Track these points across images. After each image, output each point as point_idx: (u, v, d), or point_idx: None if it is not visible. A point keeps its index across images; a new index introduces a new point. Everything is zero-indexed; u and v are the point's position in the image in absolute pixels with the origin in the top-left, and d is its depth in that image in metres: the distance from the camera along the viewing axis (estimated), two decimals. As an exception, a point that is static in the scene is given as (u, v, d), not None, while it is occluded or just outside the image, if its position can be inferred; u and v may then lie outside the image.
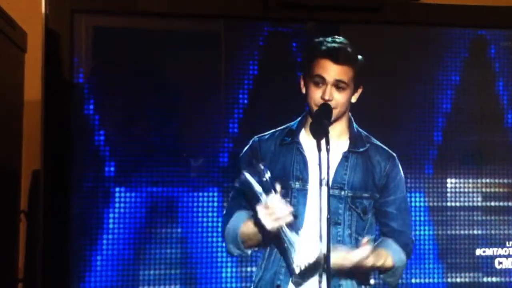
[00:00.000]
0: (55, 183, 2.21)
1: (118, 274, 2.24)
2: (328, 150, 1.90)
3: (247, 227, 2.14)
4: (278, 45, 2.37)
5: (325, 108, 2.08)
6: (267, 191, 2.03)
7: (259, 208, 2.03)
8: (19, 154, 2.39)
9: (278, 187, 2.02)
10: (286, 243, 2.04)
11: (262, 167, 2.06)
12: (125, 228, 2.25)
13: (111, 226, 2.24)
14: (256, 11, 2.36)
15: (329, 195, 1.97)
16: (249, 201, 2.11)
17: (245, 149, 2.25)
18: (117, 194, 2.25)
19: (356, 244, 2.14)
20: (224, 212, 2.25)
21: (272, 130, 2.26)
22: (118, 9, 2.30)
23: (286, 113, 2.30)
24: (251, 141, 2.25)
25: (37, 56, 2.26)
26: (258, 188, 2.04)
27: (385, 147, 2.23)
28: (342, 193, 2.12)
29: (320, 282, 1.99)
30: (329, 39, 2.15)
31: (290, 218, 2.02)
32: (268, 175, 2.03)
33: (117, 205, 2.25)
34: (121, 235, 2.25)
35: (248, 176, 2.06)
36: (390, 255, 2.14)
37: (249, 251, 2.19)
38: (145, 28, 2.35)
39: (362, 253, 2.03)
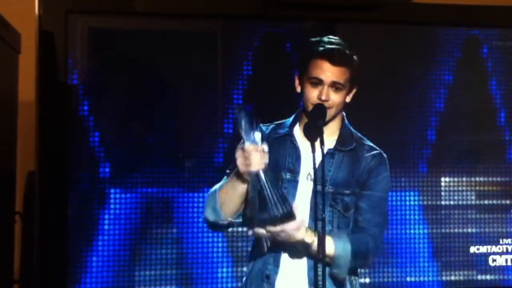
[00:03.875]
0: (50, 184, 2.21)
1: (114, 275, 2.24)
2: (323, 151, 1.90)
3: (227, 182, 2.03)
4: (272, 46, 2.37)
5: (320, 108, 2.08)
6: (250, 140, 1.97)
7: (237, 152, 1.95)
8: (14, 155, 2.39)
9: (261, 142, 1.96)
10: (266, 194, 1.95)
11: (255, 124, 2.00)
12: (120, 229, 2.26)
13: (106, 227, 2.25)
14: (253, 11, 2.36)
15: (323, 193, 1.96)
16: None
17: None
18: (112, 195, 2.25)
19: None
20: None
21: (269, 124, 2.24)
22: (113, 9, 2.30)
23: (280, 113, 2.30)
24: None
25: (31, 57, 2.25)
26: (245, 131, 1.93)
27: (376, 147, 2.21)
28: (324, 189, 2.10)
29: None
30: (327, 39, 2.12)
31: (262, 166, 1.92)
32: (259, 133, 1.98)
33: (112, 206, 2.25)
34: (117, 236, 2.25)
35: (241, 115, 1.98)
36: (331, 242, 2.02)
37: (226, 220, 2.02)
38: (140, 28, 2.35)
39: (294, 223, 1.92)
